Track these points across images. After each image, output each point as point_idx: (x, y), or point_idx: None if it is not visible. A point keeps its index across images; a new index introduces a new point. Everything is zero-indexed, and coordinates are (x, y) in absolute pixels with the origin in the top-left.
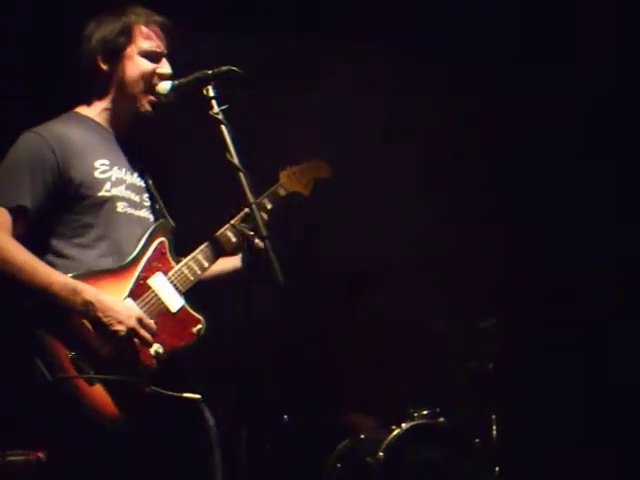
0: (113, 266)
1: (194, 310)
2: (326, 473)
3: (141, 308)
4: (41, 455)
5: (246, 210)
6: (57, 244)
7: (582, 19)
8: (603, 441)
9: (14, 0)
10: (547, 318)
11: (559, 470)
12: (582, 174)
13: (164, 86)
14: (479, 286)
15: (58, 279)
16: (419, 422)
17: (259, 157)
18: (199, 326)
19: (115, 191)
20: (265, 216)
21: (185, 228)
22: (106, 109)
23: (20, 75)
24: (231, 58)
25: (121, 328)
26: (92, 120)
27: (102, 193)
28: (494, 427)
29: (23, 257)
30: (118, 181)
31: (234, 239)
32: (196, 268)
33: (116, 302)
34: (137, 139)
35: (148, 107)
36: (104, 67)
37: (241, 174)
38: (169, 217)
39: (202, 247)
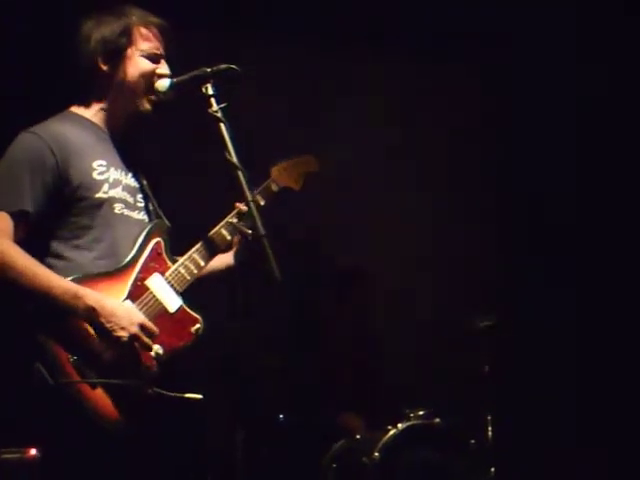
0: (110, 268)
1: (192, 310)
2: (322, 473)
3: (140, 310)
4: (35, 453)
5: (241, 207)
6: (56, 246)
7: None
8: (601, 441)
9: (14, 0)
10: (546, 317)
11: (555, 471)
12: (582, 174)
13: (163, 84)
14: (476, 285)
15: (59, 284)
16: (415, 422)
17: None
18: (197, 325)
19: (112, 192)
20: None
21: (180, 226)
22: (103, 109)
23: (20, 75)
24: (230, 57)
25: (123, 334)
26: (88, 120)
27: (100, 195)
28: (489, 428)
29: (24, 262)
30: (115, 182)
31: (229, 237)
32: (192, 267)
33: (118, 307)
34: (131, 139)
35: (148, 106)
36: (104, 68)
37: (239, 172)
38: (164, 217)
39: (197, 246)
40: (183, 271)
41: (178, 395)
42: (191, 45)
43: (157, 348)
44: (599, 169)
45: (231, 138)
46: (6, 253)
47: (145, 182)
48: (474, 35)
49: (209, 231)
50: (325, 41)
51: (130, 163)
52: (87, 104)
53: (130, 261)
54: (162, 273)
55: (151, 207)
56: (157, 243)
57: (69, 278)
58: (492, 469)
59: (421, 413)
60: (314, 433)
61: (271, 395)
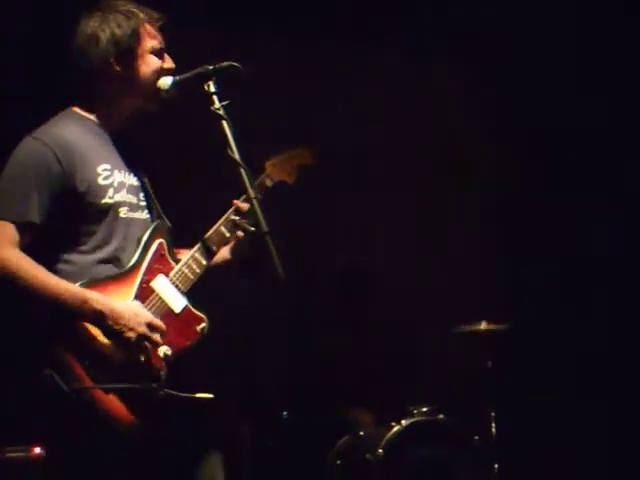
0: (116, 272)
1: (197, 309)
2: (326, 470)
3: (147, 311)
4: (40, 451)
5: (239, 205)
6: (61, 252)
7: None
8: (603, 439)
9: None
10: (547, 315)
11: (558, 468)
12: (582, 173)
13: (165, 82)
14: (476, 285)
15: (68, 290)
16: (419, 419)
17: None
18: (203, 324)
19: (117, 197)
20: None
21: (181, 225)
22: (108, 109)
23: (20, 75)
24: (231, 56)
25: (132, 335)
26: (91, 121)
27: (105, 200)
28: (493, 424)
29: (33, 272)
30: (120, 185)
31: (228, 234)
32: (195, 267)
33: (125, 308)
34: (130, 136)
35: (156, 106)
36: (117, 68)
37: (242, 169)
38: (165, 217)
39: (198, 245)
40: (186, 271)
41: (189, 395)
42: (192, 43)
43: (165, 349)
44: (600, 169)
45: (233, 135)
46: (15, 263)
47: (146, 180)
48: (474, 35)
49: (208, 229)
50: (325, 41)
51: (131, 161)
52: (90, 104)
53: (135, 264)
54: (166, 274)
55: (153, 205)
56: (160, 244)
57: (77, 284)
58: (496, 465)
59: (425, 410)
60: (317, 430)
61: (273, 393)
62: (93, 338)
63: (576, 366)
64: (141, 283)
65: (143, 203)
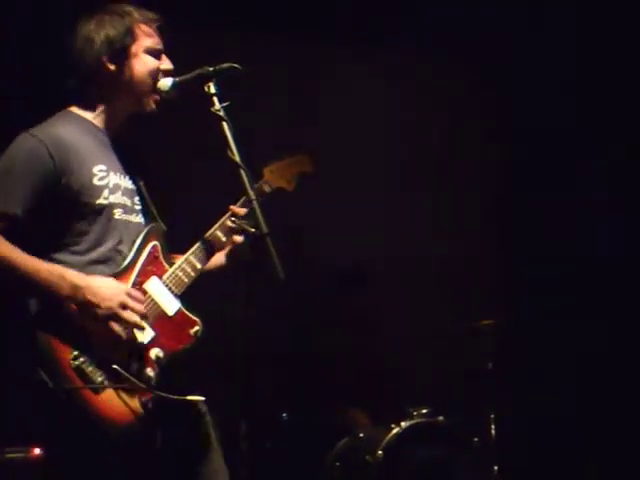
0: (109, 273)
1: (190, 312)
2: (325, 471)
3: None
4: (39, 452)
5: (235, 209)
6: (54, 251)
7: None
8: (603, 440)
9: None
10: (544, 316)
11: (557, 469)
12: (582, 174)
13: (165, 83)
14: (476, 285)
15: (45, 266)
16: (418, 421)
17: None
18: (196, 328)
19: (112, 198)
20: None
21: (177, 229)
22: (105, 110)
23: (20, 75)
24: (231, 57)
25: (111, 304)
26: (89, 121)
27: (100, 201)
28: (493, 426)
29: (10, 250)
30: (115, 187)
31: (224, 239)
32: (189, 270)
33: (102, 281)
34: (128, 139)
35: (153, 106)
36: (111, 68)
37: (242, 171)
38: (160, 220)
39: (194, 249)
40: (180, 274)
41: (180, 398)
42: (192, 44)
43: (157, 351)
44: (599, 169)
45: (233, 137)
46: None
47: (142, 184)
48: (474, 35)
49: (204, 233)
50: (325, 41)
51: (128, 165)
52: (88, 105)
53: (128, 265)
54: (160, 276)
55: (148, 210)
56: (154, 246)
57: None
58: (495, 467)
59: (424, 411)
60: (317, 431)
61: (272, 394)
62: (84, 327)
63: (576, 366)
64: (134, 285)
65: (138, 207)
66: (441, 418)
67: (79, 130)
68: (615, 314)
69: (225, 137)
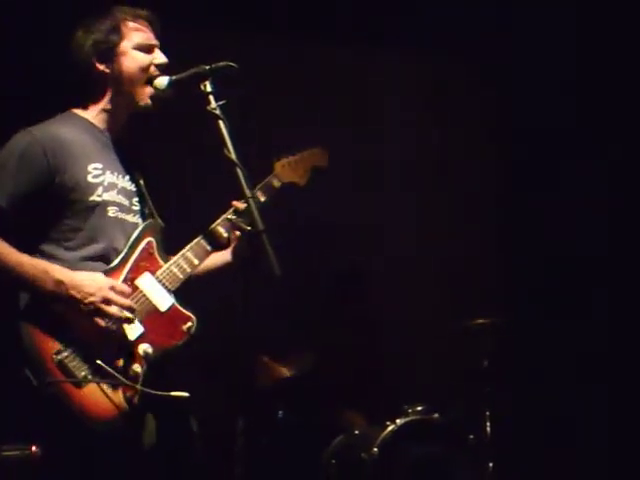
0: (101, 269)
1: (185, 308)
2: (321, 469)
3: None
4: (36, 450)
5: (237, 205)
6: (47, 247)
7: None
8: (602, 439)
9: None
10: (544, 316)
11: (553, 467)
12: (582, 174)
13: (161, 81)
14: (476, 285)
15: (29, 260)
16: (413, 418)
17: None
18: (189, 324)
19: (106, 196)
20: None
21: (178, 225)
22: (103, 110)
23: (20, 75)
24: (231, 57)
25: (94, 299)
26: (88, 122)
27: (94, 197)
28: (488, 423)
29: None
30: (110, 185)
31: (225, 234)
32: (185, 266)
33: (86, 275)
34: (131, 140)
35: (148, 100)
36: (101, 68)
37: (238, 169)
38: (158, 217)
39: (192, 244)
40: (175, 270)
41: (164, 394)
42: (192, 43)
43: (146, 347)
44: (599, 170)
45: (230, 135)
46: None
47: (142, 184)
48: (474, 35)
49: (205, 229)
50: (325, 41)
51: (128, 165)
52: (87, 106)
53: (120, 261)
54: (153, 272)
55: (147, 210)
56: (149, 243)
57: None
58: (491, 464)
59: (419, 409)
60: (313, 429)
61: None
62: (66, 319)
63: (576, 366)
64: (125, 280)
65: (136, 207)
66: (436, 415)
67: (77, 129)
68: (615, 314)
69: (221, 136)
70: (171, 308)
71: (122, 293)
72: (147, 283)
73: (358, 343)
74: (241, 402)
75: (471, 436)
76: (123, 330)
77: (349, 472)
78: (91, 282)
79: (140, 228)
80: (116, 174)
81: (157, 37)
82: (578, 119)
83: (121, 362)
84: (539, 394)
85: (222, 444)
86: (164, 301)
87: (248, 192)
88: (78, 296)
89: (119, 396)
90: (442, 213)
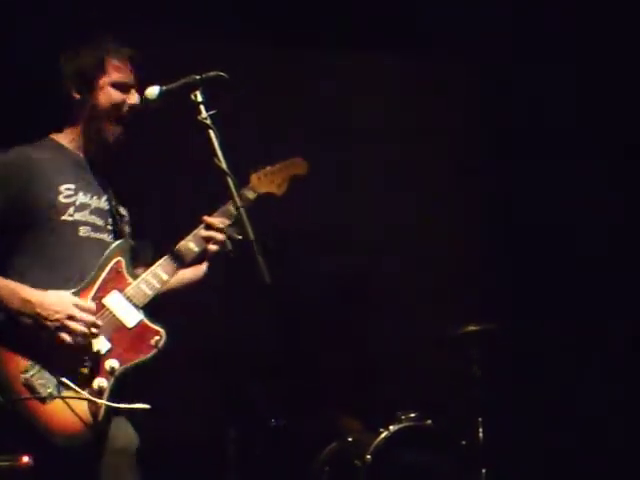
0: (71, 289)
1: (154, 323)
2: (314, 476)
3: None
4: (27, 460)
5: (207, 220)
6: (19, 264)
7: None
8: (591, 443)
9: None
10: (540, 321)
11: (545, 472)
12: (582, 174)
13: (152, 91)
14: (478, 286)
15: None
16: (407, 425)
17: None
18: (157, 338)
19: (78, 216)
20: (226, 221)
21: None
22: (78, 135)
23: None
24: (230, 58)
25: (59, 316)
26: (63, 146)
27: (65, 217)
28: (481, 429)
29: None
30: (82, 206)
31: (196, 249)
32: (154, 282)
33: (52, 294)
34: (108, 162)
35: (118, 136)
36: (77, 96)
37: (229, 179)
38: (130, 238)
39: (161, 261)
40: (144, 286)
41: (128, 406)
42: (191, 46)
43: (112, 362)
44: (599, 171)
45: (220, 145)
46: None
47: (118, 204)
48: (474, 35)
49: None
50: (325, 41)
51: (104, 187)
52: (64, 131)
53: (89, 281)
54: (121, 290)
55: (122, 230)
56: (117, 262)
57: None
58: (483, 470)
59: (412, 415)
60: (305, 436)
61: (264, 397)
62: (34, 337)
63: (575, 367)
64: (93, 299)
65: (110, 227)
66: (429, 422)
67: (51, 152)
68: (615, 314)
69: (212, 145)
70: (139, 324)
71: (86, 310)
72: (114, 301)
73: (356, 346)
74: (234, 410)
75: (464, 442)
76: (89, 346)
77: (342, 479)
78: (57, 300)
79: (110, 248)
80: (89, 195)
81: (135, 78)
82: (578, 119)
83: (87, 377)
84: (532, 400)
85: (215, 451)
86: (131, 317)
87: (239, 202)
88: (44, 313)
89: (85, 411)
90: (442, 213)
